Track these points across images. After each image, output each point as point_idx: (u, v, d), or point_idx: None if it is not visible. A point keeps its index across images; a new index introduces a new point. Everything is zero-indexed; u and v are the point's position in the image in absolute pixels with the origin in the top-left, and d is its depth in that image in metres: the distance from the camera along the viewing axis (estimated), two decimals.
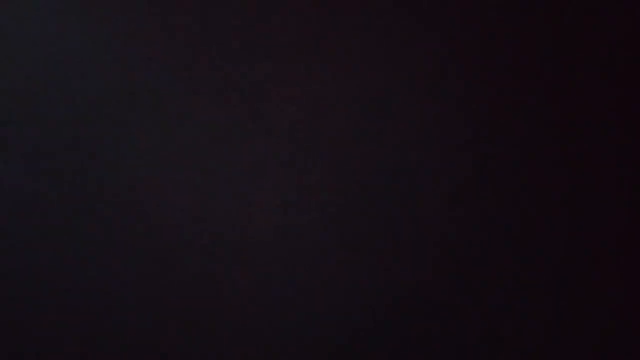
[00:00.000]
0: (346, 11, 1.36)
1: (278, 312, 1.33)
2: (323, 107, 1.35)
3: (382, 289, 1.34)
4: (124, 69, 1.34)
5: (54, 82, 1.34)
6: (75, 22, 1.34)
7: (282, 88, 1.35)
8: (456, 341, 1.34)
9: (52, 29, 1.34)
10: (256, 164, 1.34)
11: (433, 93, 1.36)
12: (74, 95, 1.34)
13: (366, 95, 1.36)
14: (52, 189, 1.33)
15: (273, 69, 1.35)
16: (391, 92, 1.36)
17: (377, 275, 1.34)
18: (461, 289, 1.34)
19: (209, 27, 1.35)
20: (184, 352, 1.32)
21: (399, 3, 1.37)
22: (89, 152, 1.33)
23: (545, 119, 1.36)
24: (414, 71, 1.36)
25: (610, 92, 1.37)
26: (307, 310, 1.33)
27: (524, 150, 1.36)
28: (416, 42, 1.36)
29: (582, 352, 1.34)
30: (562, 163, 1.36)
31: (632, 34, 1.38)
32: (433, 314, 1.34)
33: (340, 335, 1.33)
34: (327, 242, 1.34)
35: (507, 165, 1.35)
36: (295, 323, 1.33)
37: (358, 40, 1.36)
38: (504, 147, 1.36)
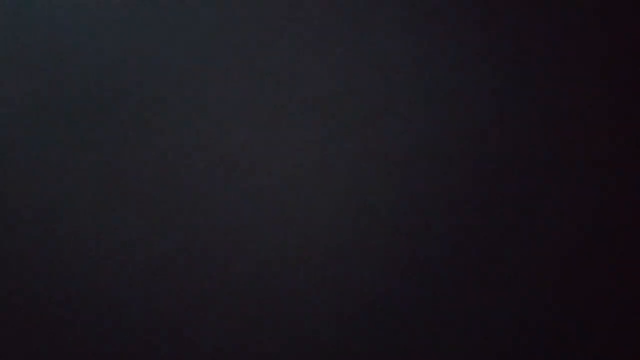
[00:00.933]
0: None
1: (278, 308, 1.34)
2: (328, 105, 1.35)
3: (382, 286, 1.34)
4: (131, 61, 1.34)
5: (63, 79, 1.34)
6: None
7: (286, 84, 1.35)
8: (455, 340, 1.34)
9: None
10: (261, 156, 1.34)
11: (436, 91, 1.36)
12: (80, 88, 1.34)
13: (371, 93, 1.36)
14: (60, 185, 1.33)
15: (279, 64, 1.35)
16: (393, 90, 1.36)
17: (377, 274, 1.34)
18: (461, 287, 1.34)
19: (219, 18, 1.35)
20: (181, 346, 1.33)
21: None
22: (95, 139, 1.33)
23: (548, 119, 1.36)
24: (416, 70, 1.36)
25: (610, 91, 1.37)
26: (306, 306, 1.34)
27: (526, 150, 1.36)
28: (417, 41, 1.37)
29: (581, 352, 1.35)
30: (564, 164, 1.36)
31: (632, 34, 1.38)
32: (432, 313, 1.34)
33: (339, 331, 1.34)
34: (331, 238, 1.34)
35: (509, 165, 1.35)
36: (294, 318, 1.34)
37: (362, 36, 1.36)
38: (506, 147, 1.36)
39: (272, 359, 1.33)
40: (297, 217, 1.34)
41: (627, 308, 1.35)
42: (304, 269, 1.34)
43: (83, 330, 1.32)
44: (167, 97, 1.34)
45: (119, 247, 1.32)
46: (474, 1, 1.37)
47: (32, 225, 1.32)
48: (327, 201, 1.34)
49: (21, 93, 1.33)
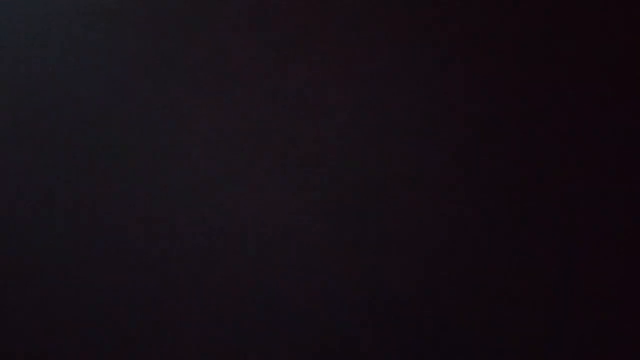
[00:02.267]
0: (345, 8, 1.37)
1: (274, 312, 1.33)
2: (322, 108, 1.36)
3: (380, 288, 1.34)
4: (129, 69, 1.35)
5: (59, 83, 1.35)
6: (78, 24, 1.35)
7: (281, 86, 1.36)
8: (453, 341, 1.34)
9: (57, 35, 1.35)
10: (257, 164, 1.35)
11: (431, 90, 1.36)
12: (80, 93, 1.35)
13: (365, 95, 1.36)
14: (56, 190, 1.34)
15: (274, 67, 1.36)
16: (389, 90, 1.36)
17: (375, 274, 1.34)
18: (459, 287, 1.34)
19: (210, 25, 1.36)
20: (180, 350, 1.33)
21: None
22: (93, 152, 1.34)
23: (546, 118, 1.36)
24: (412, 69, 1.36)
25: (610, 91, 1.36)
26: (304, 310, 1.34)
27: (523, 149, 1.35)
28: (414, 40, 1.37)
29: (580, 352, 1.34)
30: (563, 162, 1.36)
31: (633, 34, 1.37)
32: (431, 314, 1.34)
33: (336, 335, 1.34)
34: (326, 242, 1.34)
35: (506, 164, 1.35)
36: (292, 323, 1.34)
37: (358, 38, 1.37)
38: (502, 146, 1.36)
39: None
40: (288, 219, 1.35)
41: (627, 308, 1.34)
42: (295, 271, 1.34)
43: (80, 330, 1.33)
44: (165, 96, 1.35)
45: (120, 249, 1.33)
46: (472, 5, 1.37)
47: (29, 231, 1.33)
48: (320, 203, 1.35)
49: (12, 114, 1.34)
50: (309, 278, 1.34)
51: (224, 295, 1.33)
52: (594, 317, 1.34)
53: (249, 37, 1.36)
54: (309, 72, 1.36)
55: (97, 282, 1.33)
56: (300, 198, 1.34)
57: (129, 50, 1.35)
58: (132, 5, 1.35)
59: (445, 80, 1.36)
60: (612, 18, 1.37)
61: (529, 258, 1.34)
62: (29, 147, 1.34)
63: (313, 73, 1.36)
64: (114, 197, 1.33)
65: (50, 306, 1.33)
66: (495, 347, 1.34)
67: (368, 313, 1.34)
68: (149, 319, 1.33)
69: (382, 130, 1.36)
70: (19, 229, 1.33)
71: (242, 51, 1.36)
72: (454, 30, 1.37)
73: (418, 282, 1.34)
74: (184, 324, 1.33)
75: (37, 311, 1.33)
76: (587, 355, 1.34)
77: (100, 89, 1.35)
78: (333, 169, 1.35)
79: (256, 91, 1.35)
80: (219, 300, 1.33)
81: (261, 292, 1.34)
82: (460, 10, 1.37)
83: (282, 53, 1.36)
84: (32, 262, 1.33)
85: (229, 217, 1.34)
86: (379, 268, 1.34)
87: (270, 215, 1.34)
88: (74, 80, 1.34)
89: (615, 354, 1.34)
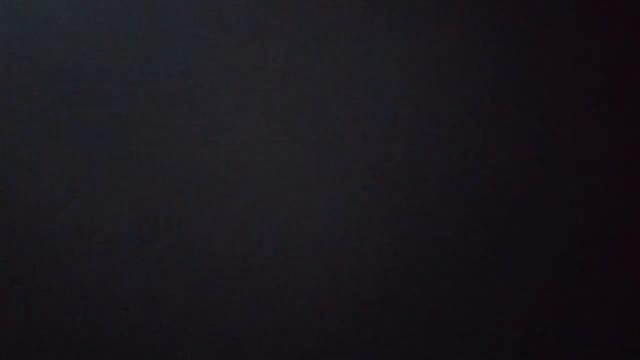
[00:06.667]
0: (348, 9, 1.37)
1: (277, 308, 1.33)
2: (326, 106, 1.36)
3: (380, 287, 1.34)
4: (129, 60, 1.34)
5: (66, 79, 1.34)
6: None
7: (285, 85, 1.35)
8: (452, 339, 1.34)
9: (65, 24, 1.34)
10: (258, 160, 1.35)
11: (436, 89, 1.36)
12: (84, 89, 1.34)
13: (369, 94, 1.36)
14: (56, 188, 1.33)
15: (274, 66, 1.36)
16: (394, 89, 1.36)
17: (376, 271, 1.34)
18: (460, 286, 1.34)
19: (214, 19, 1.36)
20: (182, 350, 1.33)
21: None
22: (96, 149, 1.34)
23: (546, 118, 1.36)
24: (417, 67, 1.36)
25: (610, 91, 1.37)
26: (304, 307, 1.34)
27: (525, 149, 1.36)
28: (415, 41, 1.37)
29: (579, 352, 1.34)
30: (563, 162, 1.36)
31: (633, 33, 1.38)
32: (431, 312, 1.34)
33: (337, 332, 1.34)
34: (328, 239, 1.34)
35: (509, 163, 1.35)
36: (291, 319, 1.34)
37: (359, 37, 1.37)
38: (504, 144, 1.36)
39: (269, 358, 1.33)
40: (294, 217, 1.34)
41: (626, 308, 1.35)
42: (300, 268, 1.34)
43: (80, 330, 1.32)
44: (166, 95, 1.34)
45: (113, 245, 1.33)
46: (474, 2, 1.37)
47: (29, 223, 1.33)
48: (325, 201, 1.35)
49: (20, 91, 1.33)
50: (317, 275, 1.34)
51: (228, 292, 1.33)
52: (593, 318, 1.34)
53: (250, 37, 1.36)
54: (310, 70, 1.36)
55: (97, 278, 1.33)
56: (304, 195, 1.34)
57: (131, 49, 1.35)
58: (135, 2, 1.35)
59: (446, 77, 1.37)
60: (612, 18, 1.38)
61: (530, 258, 1.35)
62: (26, 144, 1.34)
63: (314, 71, 1.36)
64: (116, 195, 1.33)
65: (49, 303, 1.33)
66: (495, 347, 1.34)
67: (369, 311, 1.34)
68: (150, 318, 1.33)
69: (383, 128, 1.36)
70: (18, 224, 1.33)
71: (243, 50, 1.35)
72: (455, 29, 1.37)
73: (418, 282, 1.34)
74: (188, 321, 1.33)
75: (36, 311, 1.32)
76: (586, 355, 1.34)
77: (104, 85, 1.34)
78: (335, 167, 1.35)
79: (261, 90, 1.35)
80: (223, 296, 1.33)
81: (267, 289, 1.34)
82: (460, 10, 1.37)
83: (283, 53, 1.36)
84: (29, 256, 1.33)
85: (234, 213, 1.34)
86: (383, 265, 1.34)
87: (273, 210, 1.34)
88: (77, 78, 1.34)
89: (615, 353, 1.34)
